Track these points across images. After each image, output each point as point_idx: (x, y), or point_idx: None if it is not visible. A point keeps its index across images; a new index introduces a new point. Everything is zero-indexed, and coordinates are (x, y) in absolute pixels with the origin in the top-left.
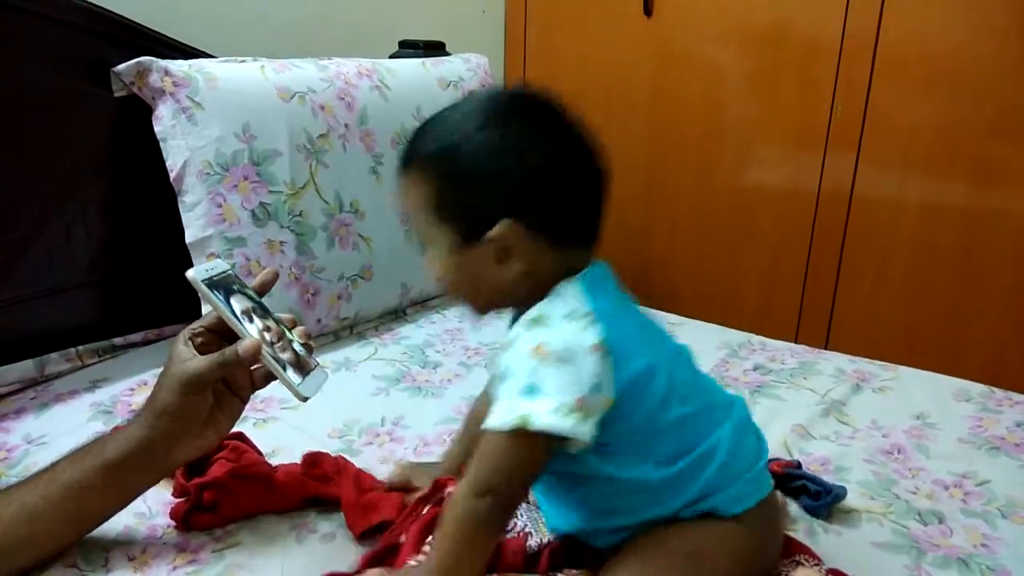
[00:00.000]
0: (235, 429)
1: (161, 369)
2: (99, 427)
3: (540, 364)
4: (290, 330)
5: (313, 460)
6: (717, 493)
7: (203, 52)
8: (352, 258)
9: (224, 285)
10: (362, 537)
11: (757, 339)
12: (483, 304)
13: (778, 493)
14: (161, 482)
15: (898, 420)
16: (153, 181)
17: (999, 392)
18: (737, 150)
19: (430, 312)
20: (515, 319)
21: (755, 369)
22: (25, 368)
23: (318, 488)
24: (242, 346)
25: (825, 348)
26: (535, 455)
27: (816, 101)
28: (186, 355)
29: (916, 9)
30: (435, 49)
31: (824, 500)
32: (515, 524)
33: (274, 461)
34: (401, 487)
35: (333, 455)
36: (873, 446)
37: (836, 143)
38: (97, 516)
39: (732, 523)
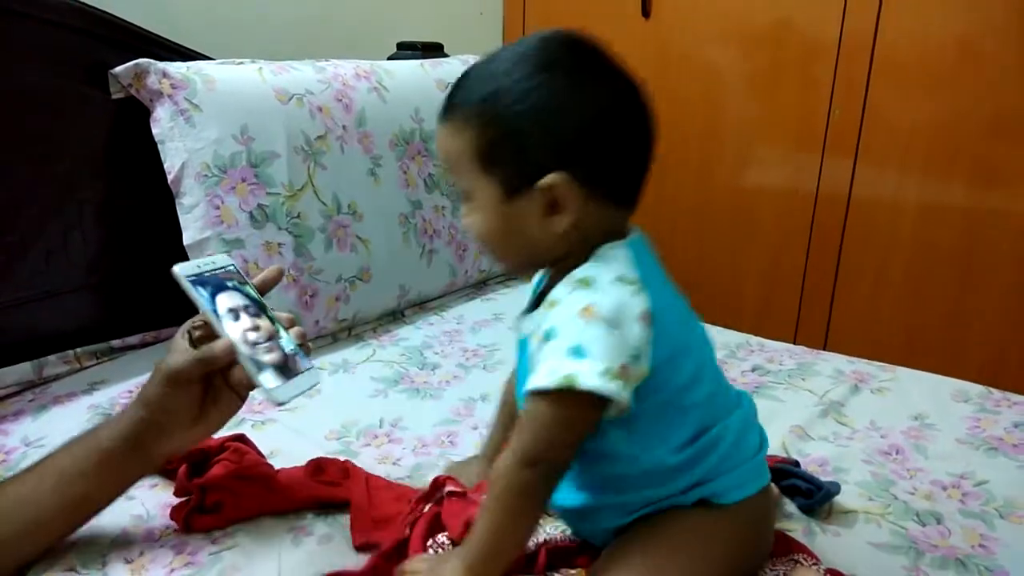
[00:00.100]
0: (234, 431)
1: None
2: None
3: (588, 325)
4: (287, 330)
5: (319, 466)
6: (719, 478)
7: (201, 54)
8: (350, 260)
9: (217, 281)
10: (360, 548)
11: (755, 340)
12: (521, 260)
13: (773, 486)
14: (161, 483)
15: (896, 421)
16: (151, 183)
17: (997, 393)
18: (736, 151)
19: (428, 314)
20: (546, 280)
21: (753, 370)
22: (23, 370)
23: (322, 490)
24: (216, 345)
25: (824, 349)
26: (581, 418)
27: (815, 102)
28: (179, 347)
29: (914, 9)
30: (433, 50)
31: (816, 497)
32: None
33: (272, 463)
34: None
35: (340, 460)
36: (871, 447)
37: (834, 144)
38: (91, 505)
39: (729, 512)
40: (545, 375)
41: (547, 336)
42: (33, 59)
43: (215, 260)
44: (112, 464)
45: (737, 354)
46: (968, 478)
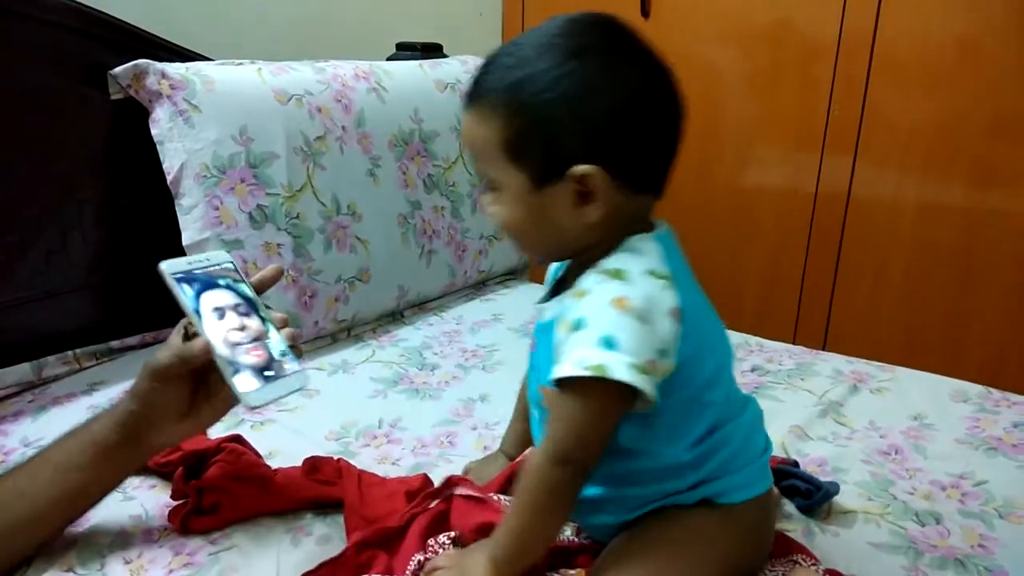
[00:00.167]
0: (232, 431)
1: None
2: None
3: (619, 317)
4: (280, 330)
5: (314, 465)
6: (725, 477)
7: (200, 55)
8: (349, 260)
9: (207, 278)
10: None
11: (755, 340)
12: (548, 250)
13: (774, 489)
14: (160, 483)
15: (895, 421)
16: (150, 184)
17: (996, 393)
18: (735, 151)
19: (427, 314)
20: (564, 268)
21: (753, 370)
22: (22, 371)
23: (319, 490)
24: (194, 344)
25: (823, 349)
26: (610, 410)
27: (814, 102)
28: (170, 343)
29: (913, 8)
30: (432, 51)
31: (816, 497)
32: None
33: (271, 463)
34: None
35: (334, 459)
36: (870, 447)
37: (834, 144)
38: (85, 498)
39: (732, 512)
40: (574, 364)
41: (576, 325)
42: (32, 60)
43: (209, 257)
44: (105, 456)
45: (736, 354)
46: (967, 478)
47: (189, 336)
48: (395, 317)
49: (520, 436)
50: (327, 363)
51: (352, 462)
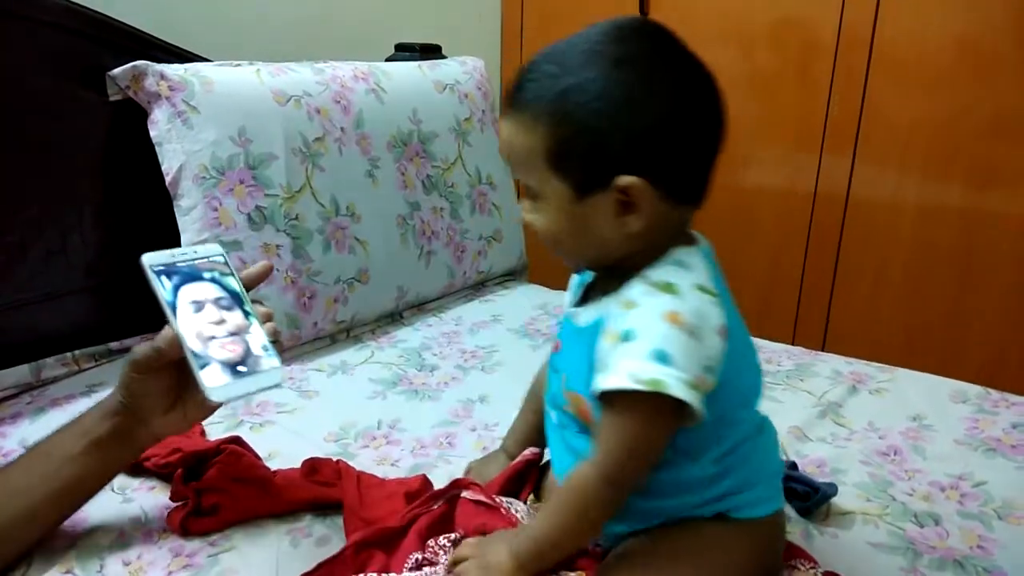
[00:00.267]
0: (231, 433)
1: None
2: None
3: (671, 331)
4: (263, 324)
5: (313, 466)
6: (743, 493)
7: (199, 56)
8: (348, 261)
9: (191, 271)
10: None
11: (754, 340)
12: (585, 258)
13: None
14: (159, 485)
15: (894, 422)
16: (149, 185)
17: (995, 393)
18: (734, 151)
19: (426, 315)
20: (592, 275)
21: None
22: (21, 373)
23: (318, 491)
24: (162, 336)
25: (822, 350)
26: (664, 427)
27: (813, 102)
28: (160, 335)
29: (912, 8)
30: (431, 52)
31: (813, 499)
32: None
33: (271, 465)
34: None
35: (333, 460)
36: (869, 448)
37: (833, 144)
38: (80, 491)
39: (745, 527)
40: (626, 376)
41: (625, 336)
42: (31, 61)
43: (198, 250)
44: (96, 448)
45: None
46: (966, 479)
47: None
48: (394, 318)
49: (523, 435)
50: (326, 364)
51: (351, 463)
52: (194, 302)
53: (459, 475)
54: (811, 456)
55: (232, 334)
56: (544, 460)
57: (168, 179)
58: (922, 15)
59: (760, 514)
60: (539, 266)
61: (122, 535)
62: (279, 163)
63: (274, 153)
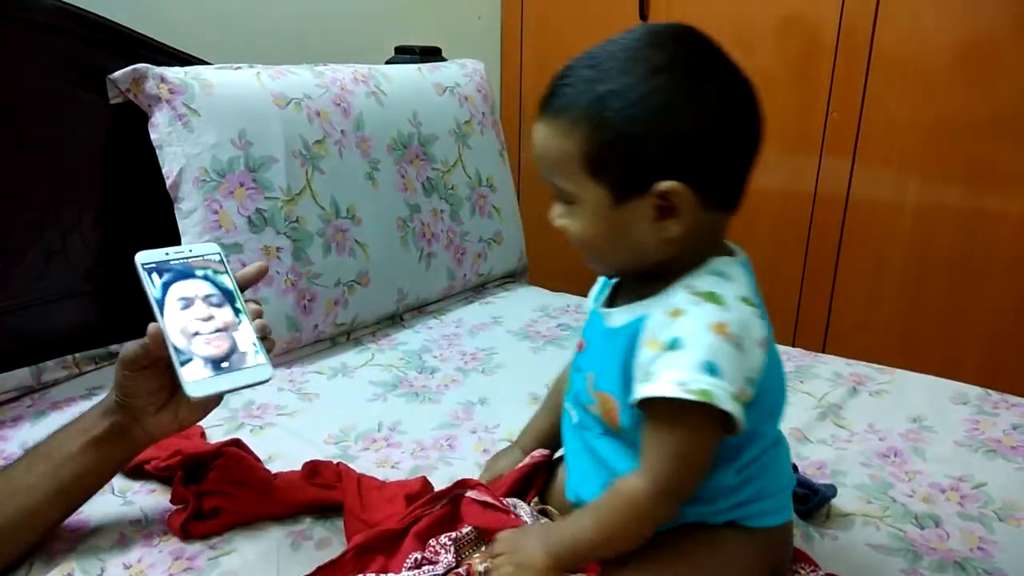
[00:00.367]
0: (232, 435)
1: None
2: None
3: (719, 343)
4: (252, 321)
5: (313, 469)
6: (754, 504)
7: (199, 59)
8: (349, 264)
9: (183, 269)
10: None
11: None
12: (624, 264)
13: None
14: (160, 488)
15: (894, 423)
16: (149, 188)
17: (995, 395)
18: None
19: (427, 317)
20: (623, 279)
21: None
22: (22, 376)
23: (319, 493)
24: (148, 332)
25: (822, 352)
26: (713, 439)
27: (812, 103)
28: (148, 332)
29: (912, 10)
30: (431, 55)
31: (813, 502)
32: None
33: (271, 467)
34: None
35: (334, 462)
36: (870, 449)
37: (832, 145)
38: (79, 489)
39: (755, 535)
40: (674, 386)
41: (671, 345)
42: (32, 64)
43: (193, 248)
44: (94, 446)
45: None
46: (966, 480)
47: None
48: (394, 320)
49: (541, 432)
50: (326, 367)
51: (352, 466)
52: (182, 299)
53: (460, 477)
54: (811, 458)
55: (219, 330)
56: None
57: (169, 182)
58: (922, 17)
59: (771, 524)
60: (539, 268)
61: (122, 538)
62: (279, 166)
63: (274, 156)
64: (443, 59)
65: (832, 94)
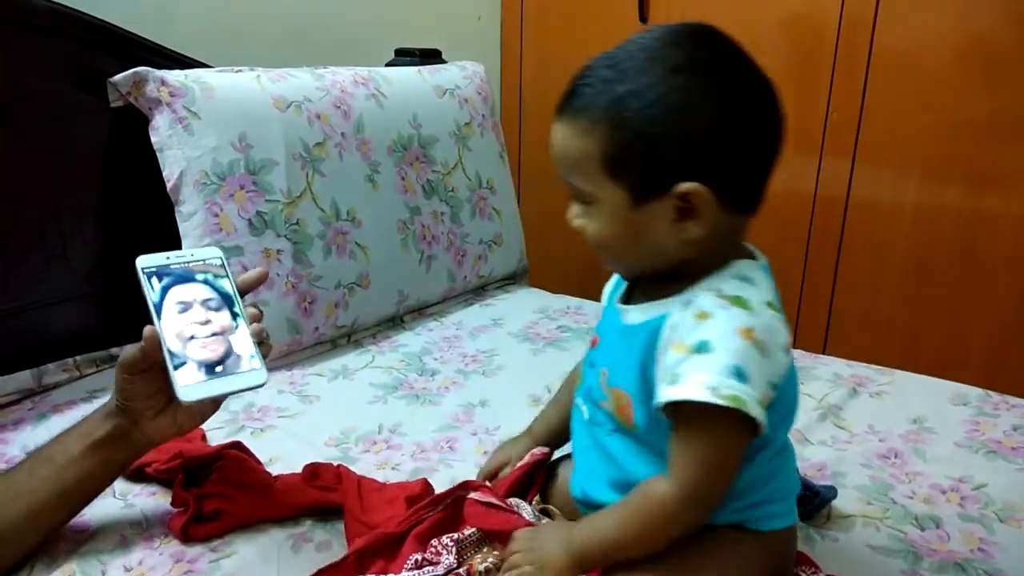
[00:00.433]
0: (233, 438)
1: None
2: None
3: (747, 348)
4: (249, 325)
5: (314, 471)
6: (761, 507)
7: (199, 62)
8: (349, 266)
9: (183, 273)
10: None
11: None
12: (642, 265)
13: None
14: (160, 491)
15: (895, 424)
16: (150, 191)
17: (996, 396)
18: None
19: (427, 320)
20: (638, 280)
21: None
22: (23, 379)
23: (319, 496)
24: (144, 336)
25: (823, 353)
26: (740, 443)
27: (812, 104)
28: (144, 335)
29: (911, 11)
30: (431, 57)
31: (813, 503)
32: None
33: (272, 470)
34: (498, 468)
35: (334, 464)
36: (870, 451)
37: (832, 146)
38: (81, 492)
39: (760, 537)
40: (704, 390)
41: (699, 348)
42: (32, 67)
43: (194, 252)
44: (96, 449)
45: None
46: (967, 481)
47: None
48: (395, 323)
49: (553, 423)
50: (327, 369)
51: (352, 468)
52: (180, 303)
53: (460, 479)
54: (812, 460)
55: (215, 334)
56: (551, 460)
57: (169, 185)
58: (922, 16)
59: (777, 527)
60: (539, 270)
61: (123, 540)
62: (280, 168)
63: (275, 159)
64: (443, 61)
65: (832, 94)
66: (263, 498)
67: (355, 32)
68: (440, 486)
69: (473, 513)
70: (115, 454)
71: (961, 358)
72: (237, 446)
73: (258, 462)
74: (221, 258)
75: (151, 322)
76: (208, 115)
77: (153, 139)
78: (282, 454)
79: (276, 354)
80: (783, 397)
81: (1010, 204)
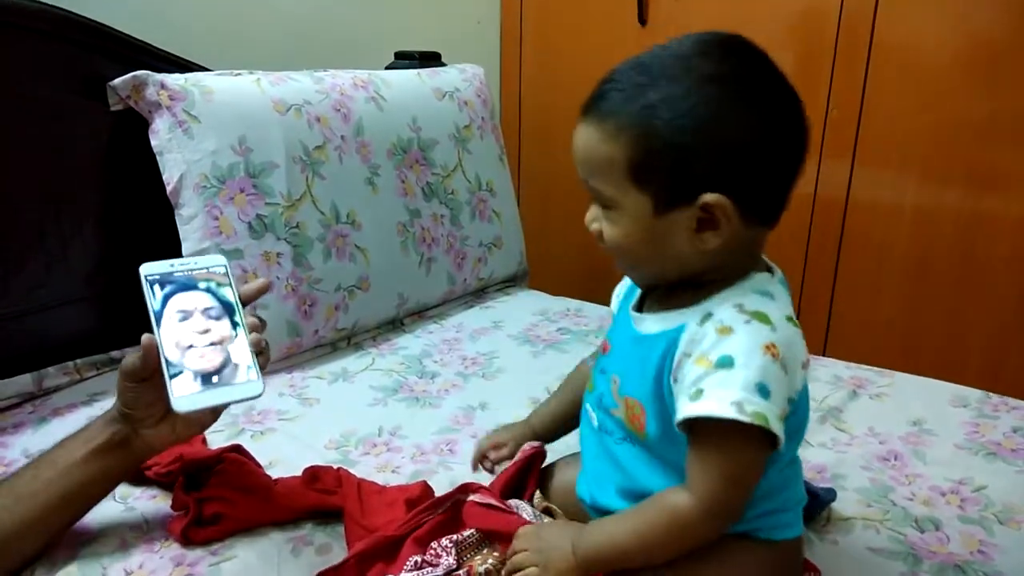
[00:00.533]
0: (232, 441)
1: None
2: None
3: (770, 364)
4: (249, 335)
5: (314, 474)
6: (769, 517)
7: (199, 65)
8: (349, 269)
9: (186, 281)
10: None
11: None
12: (661, 273)
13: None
14: (161, 494)
15: (895, 426)
16: (150, 194)
17: (995, 397)
18: None
19: (427, 322)
20: (652, 293)
21: None
22: (23, 382)
23: (319, 499)
24: (142, 344)
25: (823, 354)
26: (761, 458)
27: (812, 105)
28: (143, 343)
29: (911, 11)
30: (431, 60)
31: (813, 505)
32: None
33: (272, 473)
34: (489, 450)
35: (334, 467)
36: (870, 453)
37: (832, 147)
38: (83, 497)
39: (768, 546)
40: (730, 406)
41: (722, 363)
42: (32, 71)
43: (199, 260)
44: (98, 454)
45: None
46: (967, 483)
47: None
48: (395, 325)
49: (552, 417)
50: (327, 372)
51: (352, 471)
52: (181, 311)
53: (460, 482)
54: (812, 462)
55: (214, 343)
56: (550, 461)
57: (169, 188)
58: (922, 16)
59: (785, 537)
60: (539, 272)
61: (124, 544)
62: (279, 171)
63: (274, 162)
64: (442, 64)
65: (831, 95)
66: (263, 501)
67: (355, 35)
68: (440, 488)
69: (473, 514)
70: (116, 460)
71: (961, 359)
72: (237, 449)
73: (258, 465)
74: (225, 266)
75: (151, 329)
76: (208, 118)
77: (153, 142)
78: (282, 457)
79: (276, 357)
80: (797, 411)
81: (1010, 205)
